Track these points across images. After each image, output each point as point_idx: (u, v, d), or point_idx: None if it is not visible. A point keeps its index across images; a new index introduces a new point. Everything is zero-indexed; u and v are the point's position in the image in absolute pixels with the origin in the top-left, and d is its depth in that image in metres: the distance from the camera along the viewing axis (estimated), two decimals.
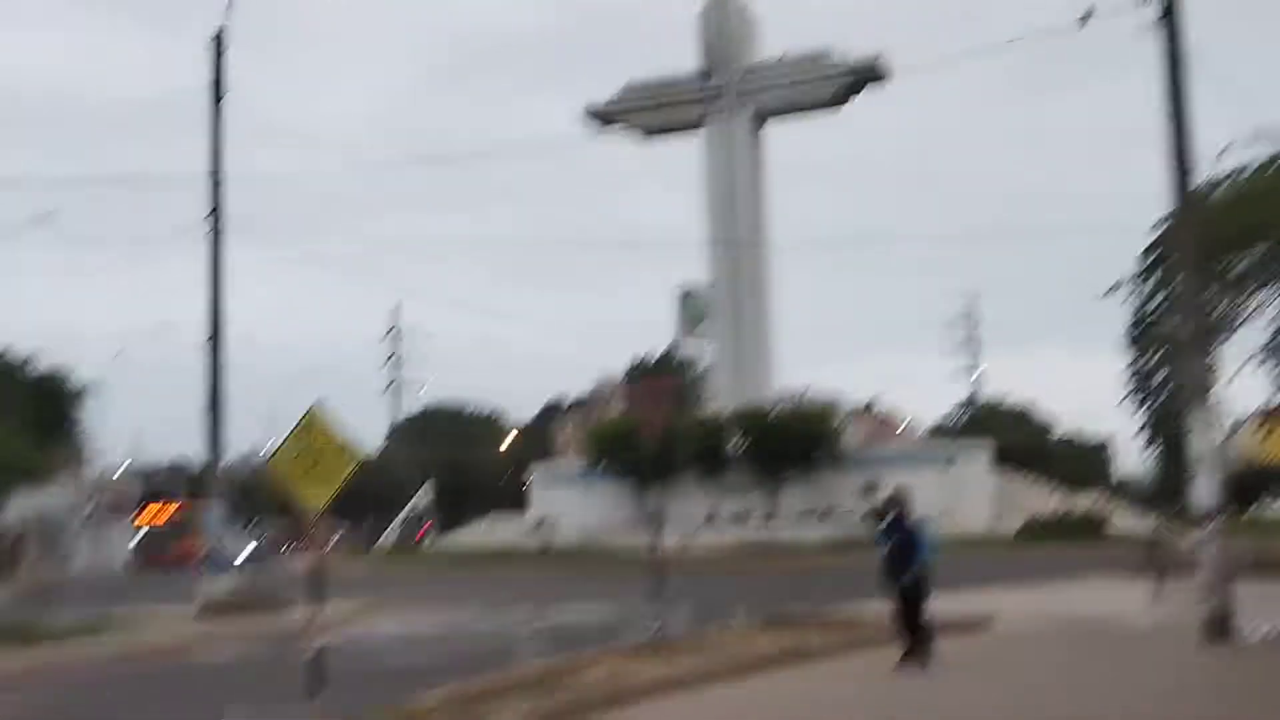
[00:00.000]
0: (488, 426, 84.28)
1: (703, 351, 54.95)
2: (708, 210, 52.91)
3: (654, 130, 54.38)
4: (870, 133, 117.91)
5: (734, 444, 47.56)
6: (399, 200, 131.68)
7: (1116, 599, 20.21)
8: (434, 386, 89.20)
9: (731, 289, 51.63)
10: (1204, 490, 14.69)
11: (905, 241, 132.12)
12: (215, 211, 24.72)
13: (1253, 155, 19.72)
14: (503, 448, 76.28)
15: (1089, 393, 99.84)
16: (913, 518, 13.52)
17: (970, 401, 74.18)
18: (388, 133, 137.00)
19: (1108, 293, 21.40)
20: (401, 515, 73.47)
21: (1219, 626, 14.48)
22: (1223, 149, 19.89)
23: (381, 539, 71.58)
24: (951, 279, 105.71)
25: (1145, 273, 25.21)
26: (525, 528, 52.53)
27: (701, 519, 47.21)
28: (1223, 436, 15.26)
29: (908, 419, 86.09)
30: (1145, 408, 30.17)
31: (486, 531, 54.55)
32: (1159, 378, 27.64)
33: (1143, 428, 32.89)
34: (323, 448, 9.93)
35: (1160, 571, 19.69)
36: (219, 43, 24.96)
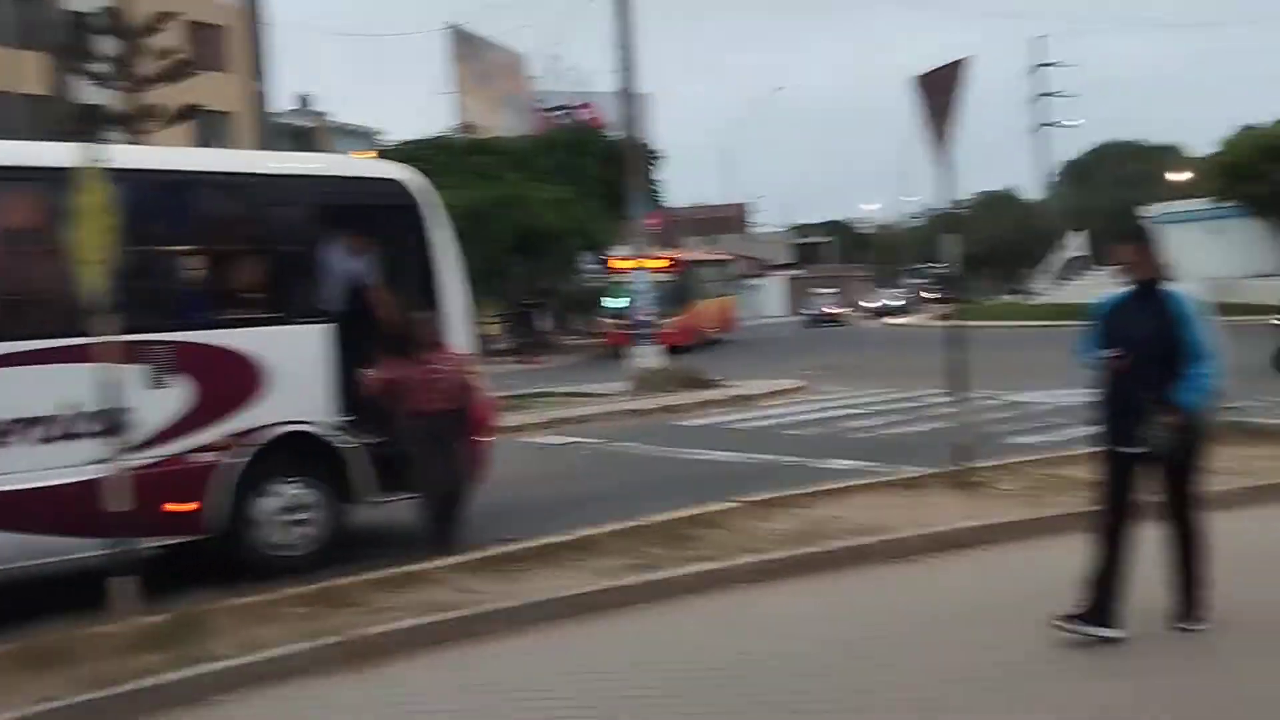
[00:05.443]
0: (1166, 164, 74.02)
1: None
2: None
3: None
4: None
5: None
6: None
7: None
8: (1105, 124, 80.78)
9: None
10: None
11: None
12: None
13: None
14: (1175, 184, 65.50)
15: None
16: None
17: None
18: None
19: None
20: (1051, 263, 67.59)
21: None
22: None
23: (1023, 287, 66.44)
24: None
25: None
26: None
27: None
28: None
29: None
30: None
31: (1097, 283, 47.55)
32: None
33: None
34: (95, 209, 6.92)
35: None
36: None
